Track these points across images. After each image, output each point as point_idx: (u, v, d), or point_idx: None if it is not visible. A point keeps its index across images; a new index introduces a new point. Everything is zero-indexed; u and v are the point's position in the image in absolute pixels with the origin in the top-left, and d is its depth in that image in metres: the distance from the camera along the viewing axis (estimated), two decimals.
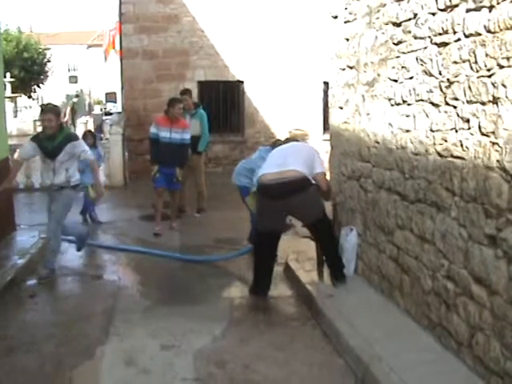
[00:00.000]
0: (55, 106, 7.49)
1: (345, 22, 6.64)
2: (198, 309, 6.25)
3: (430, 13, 4.67)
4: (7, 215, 8.92)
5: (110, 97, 38.78)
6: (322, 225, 6.41)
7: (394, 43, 5.40)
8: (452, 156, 4.41)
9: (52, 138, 7.00)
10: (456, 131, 4.33)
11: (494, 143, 3.84)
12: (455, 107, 4.34)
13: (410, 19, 5.05)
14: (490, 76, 3.87)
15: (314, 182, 6.39)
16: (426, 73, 4.79)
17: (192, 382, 4.66)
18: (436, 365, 4.42)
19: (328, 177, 7.51)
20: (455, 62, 4.30)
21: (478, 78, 4.01)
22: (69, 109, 28.21)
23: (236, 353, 5.15)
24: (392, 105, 5.50)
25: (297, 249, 7.79)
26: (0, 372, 4.82)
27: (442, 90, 4.53)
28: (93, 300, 6.63)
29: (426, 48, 4.77)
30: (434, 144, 4.67)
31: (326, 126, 11.72)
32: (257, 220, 6.54)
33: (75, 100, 30.00)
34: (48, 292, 6.84)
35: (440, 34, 4.52)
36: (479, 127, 4.01)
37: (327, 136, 8.49)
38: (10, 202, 9.24)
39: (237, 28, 15.36)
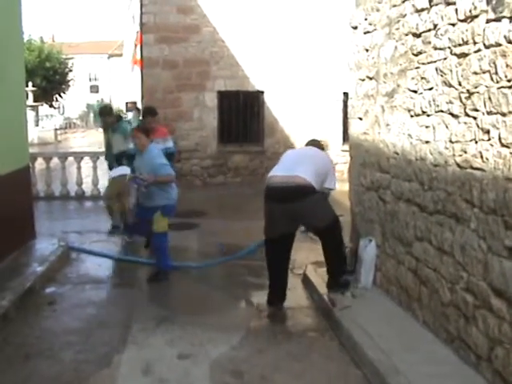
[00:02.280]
0: None
1: (364, 33, 6.64)
2: (215, 318, 6.25)
3: (450, 23, 4.66)
4: (27, 223, 8.99)
5: (130, 106, 38.99)
6: (329, 233, 6.37)
7: (413, 54, 5.38)
8: (472, 167, 4.38)
9: None
10: (476, 142, 4.31)
11: None
12: (475, 118, 4.31)
13: (429, 30, 5.04)
14: (510, 87, 3.85)
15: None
16: (445, 84, 4.78)
17: None
18: (454, 378, 4.38)
19: (347, 187, 7.52)
20: (475, 73, 4.29)
21: (498, 88, 3.99)
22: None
23: (253, 363, 5.14)
24: (411, 116, 5.48)
25: (315, 259, 7.75)
26: (18, 379, 4.85)
27: (461, 100, 4.51)
28: (111, 308, 6.65)
29: (445, 59, 4.76)
30: (454, 155, 4.65)
31: (346, 137, 11.71)
32: (265, 226, 6.51)
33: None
34: (67, 300, 6.86)
35: (460, 45, 4.50)
36: (499, 138, 3.98)
37: (347, 147, 8.48)
38: (31, 209, 9.32)
39: (257, 39, 15.41)
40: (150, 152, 7.52)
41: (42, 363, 5.14)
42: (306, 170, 6.18)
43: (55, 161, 14.57)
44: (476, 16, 4.26)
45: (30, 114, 32.05)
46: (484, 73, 4.17)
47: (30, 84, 36.22)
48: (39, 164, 14.34)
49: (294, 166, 6.28)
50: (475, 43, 4.28)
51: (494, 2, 4.01)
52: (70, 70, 52.70)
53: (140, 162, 7.58)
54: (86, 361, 5.17)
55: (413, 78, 5.42)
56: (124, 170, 7.42)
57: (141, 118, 9.20)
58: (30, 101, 35.44)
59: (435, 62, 4.95)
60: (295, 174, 6.12)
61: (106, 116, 10.09)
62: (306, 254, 7.88)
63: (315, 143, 7.05)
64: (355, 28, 6.98)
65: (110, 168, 10.14)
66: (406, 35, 5.53)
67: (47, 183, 13.97)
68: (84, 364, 5.11)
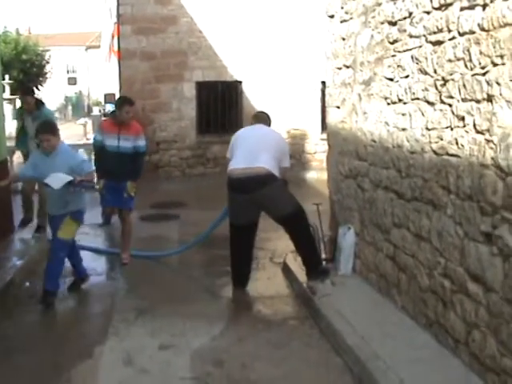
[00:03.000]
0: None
1: (341, 22, 6.65)
2: (195, 308, 6.26)
3: (424, 11, 4.69)
4: (6, 216, 8.92)
5: (109, 98, 38.65)
6: (294, 221, 6.48)
7: (389, 42, 5.41)
8: (447, 154, 4.42)
9: None
10: (451, 129, 4.35)
11: (488, 141, 3.86)
12: (450, 105, 4.35)
13: (405, 18, 5.06)
14: (484, 74, 3.88)
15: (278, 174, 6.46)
16: (421, 71, 4.81)
17: (190, 381, 4.68)
18: (433, 362, 4.43)
19: (326, 176, 7.55)
20: (450, 61, 4.32)
21: (472, 76, 4.03)
22: None
23: (234, 352, 5.17)
24: (388, 103, 5.51)
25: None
26: None
27: (437, 88, 4.55)
28: (91, 301, 6.67)
29: (421, 47, 4.79)
30: (430, 142, 4.69)
31: (324, 126, 11.72)
32: (229, 214, 6.73)
33: None
34: None
35: (435, 33, 4.53)
36: (474, 125, 4.02)
37: (325, 135, 8.50)
38: (9, 203, 9.24)
39: (235, 28, 15.36)
40: (64, 152, 6.48)
41: (23, 356, 5.12)
42: (266, 158, 6.37)
43: None
44: (450, 4, 4.28)
45: (7, 108, 31.69)
46: (458, 60, 4.20)
47: (7, 77, 35.83)
48: (17, 158, 14.19)
49: (253, 155, 6.40)
50: (450, 31, 4.32)
51: None
52: (47, 62, 52.18)
53: (50, 164, 6.29)
54: (67, 353, 5.17)
55: (389, 66, 5.45)
56: (60, 177, 6.20)
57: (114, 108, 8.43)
58: (7, 94, 35.07)
59: (411, 49, 4.98)
60: (256, 164, 6.30)
61: (28, 96, 9.06)
62: (286, 243, 7.87)
63: (263, 118, 7.14)
64: (332, 17, 6.99)
65: (26, 157, 9.19)
66: (382, 23, 5.55)
67: None
68: (65, 356, 5.10)
